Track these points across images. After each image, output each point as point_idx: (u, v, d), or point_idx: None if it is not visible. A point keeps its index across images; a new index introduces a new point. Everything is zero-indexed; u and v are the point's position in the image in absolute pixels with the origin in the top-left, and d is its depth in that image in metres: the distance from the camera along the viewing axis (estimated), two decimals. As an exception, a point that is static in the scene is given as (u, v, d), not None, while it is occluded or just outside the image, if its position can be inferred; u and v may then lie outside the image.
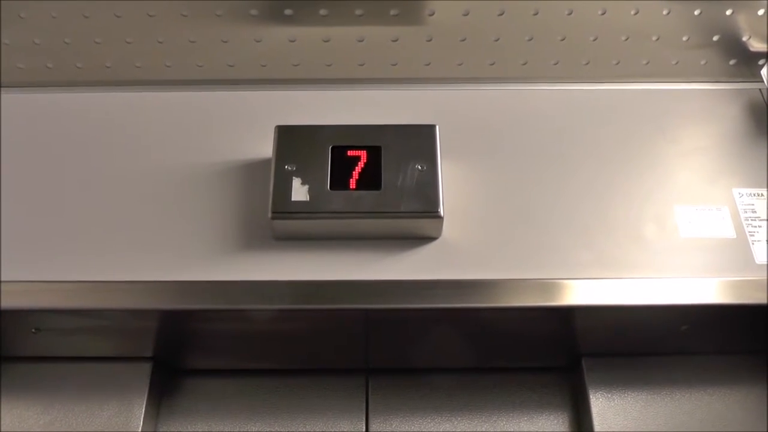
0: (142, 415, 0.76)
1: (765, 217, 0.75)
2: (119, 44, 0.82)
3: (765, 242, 0.74)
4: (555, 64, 0.85)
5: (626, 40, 0.83)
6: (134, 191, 0.76)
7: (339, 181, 0.71)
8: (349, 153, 0.73)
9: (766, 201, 0.76)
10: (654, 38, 0.83)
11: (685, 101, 0.85)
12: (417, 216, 0.71)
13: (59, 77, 0.84)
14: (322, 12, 0.79)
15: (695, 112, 0.84)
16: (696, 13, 0.81)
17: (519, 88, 0.85)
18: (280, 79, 0.85)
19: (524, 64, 0.85)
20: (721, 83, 0.86)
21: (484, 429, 0.80)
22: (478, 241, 0.73)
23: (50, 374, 0.79)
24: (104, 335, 0.77)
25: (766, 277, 0.71)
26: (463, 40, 0.82)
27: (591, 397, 0.78)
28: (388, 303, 0.70)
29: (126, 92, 0.84)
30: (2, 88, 0.84)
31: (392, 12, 0.80)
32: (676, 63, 0.85)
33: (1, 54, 0.82)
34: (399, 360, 0.84)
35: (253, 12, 0.79)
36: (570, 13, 0.80)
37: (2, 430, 0.76)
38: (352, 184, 0.71)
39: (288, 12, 0.79)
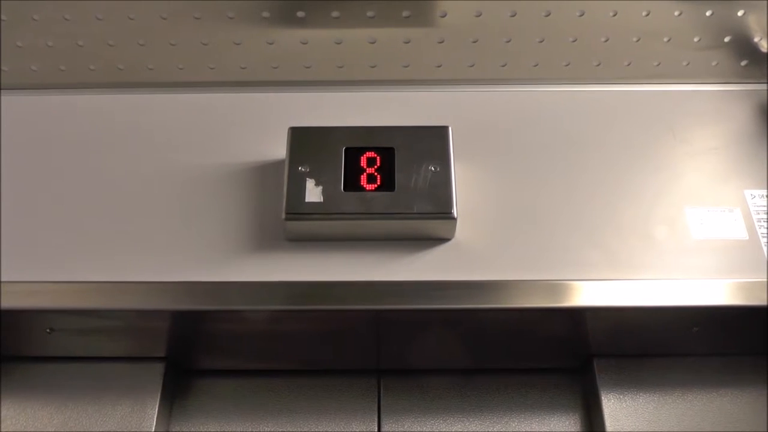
0: (155, 415, 0.76)
1: (777, 219, 0.75)
2: (132, 46, 0.82)
3: (777, 243, 0.74)
4: (566, 65, 0.85)
5: (637, 41, 0.83)
6: (148, 192, 0.76)
7: (352, 182, 0.72)
8: (363, 154, 0.73)
9: (778, 202, 0.76)
10: (665, 39, 0.83)
11: (697, 102, 0.85)
12: (430, 217, 0.71)
13: (72, 79, 0.85)
14: (334, 14, 0.80)
15: (706, 113, 0.84)
16: (707, 14, 0.81)
17: (530, 90, 0.85)
18: (292, 81, 0.85)
19: (536, 65, 0.85)
20: (733, 84, 0.86)
21: (495, 430, 0.80)
22: (491, 242, 0.73)
23: (64, 374, 0.79)
24: (118, 335, 0.77)
25: (778, 279, 0.71)
26: (475, 42, 0.83)
27: (603, 398, 0.78)
28: (400, 304, 0.70)
29: (138, 94, 0.85)
30: (17, 90, 0.85)
31: (404, 14, 0.80)
32: (688, 64, 0.85)
33: (15, 56, 0.83)
34: (411, 361, 0.84)
35: (265, 14, 0.80)
36: (581, 15, 0.80)
37: (17, 429, 0.76)
38: (366, 185, 0.72)
39: (300, 14, 0.80)
